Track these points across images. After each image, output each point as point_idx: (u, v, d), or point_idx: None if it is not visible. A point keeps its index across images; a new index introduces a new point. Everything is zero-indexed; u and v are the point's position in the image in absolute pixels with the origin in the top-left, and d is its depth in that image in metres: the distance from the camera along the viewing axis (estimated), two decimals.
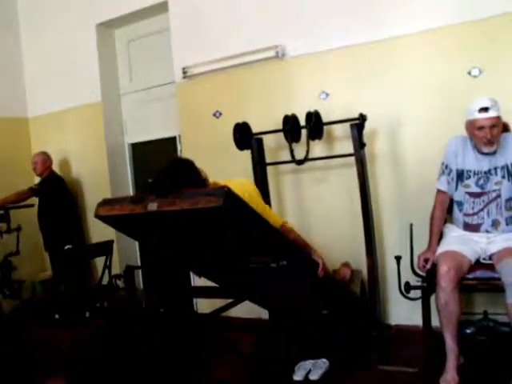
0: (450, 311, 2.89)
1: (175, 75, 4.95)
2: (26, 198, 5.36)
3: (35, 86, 6.11)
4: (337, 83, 4.16)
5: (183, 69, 4.81)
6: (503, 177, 3.04)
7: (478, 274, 3.03)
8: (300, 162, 3.92)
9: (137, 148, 5.72)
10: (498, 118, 2.96)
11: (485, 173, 3.07)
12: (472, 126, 3.01)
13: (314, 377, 3.37)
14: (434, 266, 3.07)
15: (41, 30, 5.97)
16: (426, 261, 3.15)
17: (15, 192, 5.39)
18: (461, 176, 3.15)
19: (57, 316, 5.14)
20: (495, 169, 3.05)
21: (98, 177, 5.59)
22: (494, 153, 3.04)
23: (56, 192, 5.39)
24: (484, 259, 3.06)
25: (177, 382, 3.40)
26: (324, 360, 3.47)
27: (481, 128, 2.97)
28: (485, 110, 2.93)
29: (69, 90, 5.74)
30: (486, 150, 3.02)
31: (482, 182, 3.09)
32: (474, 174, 3.10)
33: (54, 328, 4.77)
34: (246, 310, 4.26)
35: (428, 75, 3.80)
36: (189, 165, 2.62)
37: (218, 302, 3.59)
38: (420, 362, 3.31)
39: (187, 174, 2.52)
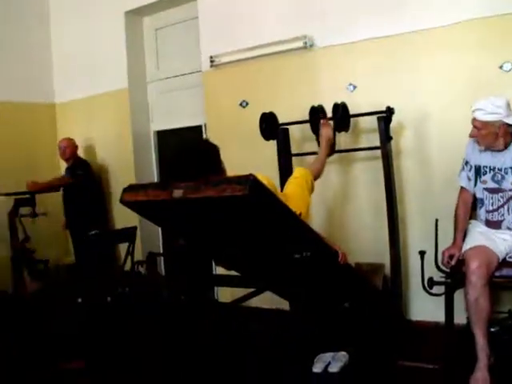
0: (481, 308, 2.83)
1: (202, 64, 4.95)
2: (65, 184, 5.42)
3: (63, 72, 6.17)
4: (364, 75, 4.12)
5: (210, 57, 4.80)
6: None
7: (504, 272, 2.99)
8: None
9: (162, 136, 5.75)
10: (482, 122, 2.98)
11: (499, 169, 3.07)
12: None
13: (333, 369, 3.35)
14: (459, 263, 3.05)
15: (70, 16, 6.02)
16: (451, 257, 3.12)
17: (53, 178, 5.46)
18: (478, 172, 3.16)
19: (79, 300, 5.19)
20: (511, 168, 3.04)
21: (123, 163, 5.63)
22: (510, 151, 3.04)
23: (84, 177, 5.44)
24: (510, 257, 3.02)
25: (196, 371, 3.41)
26: (344, 353, 3.46)
27: (473, 126, 3.04)
28: (474, 111, 3.00)
29: (96, 77, 5.79)
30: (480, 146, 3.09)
31: (497, 178, 3.08)
32: (490, 169, 3.10)
33: (76, 312, 4.83)
34: (267, 300, 4.27)
35: (458, 69, 3.75)
36: (213, 151, 2.63)
37: (239, 292, 3.60)
38: (441, 359, 3.26)
39: (209, 161, 2.52)
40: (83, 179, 5.40)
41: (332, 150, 3.73)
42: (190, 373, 3.41)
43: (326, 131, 3.71)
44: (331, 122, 3.77)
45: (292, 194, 3.04)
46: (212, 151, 2.62)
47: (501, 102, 2.94)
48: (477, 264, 2.87)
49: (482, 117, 2.97)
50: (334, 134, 3.76)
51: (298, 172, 3.30)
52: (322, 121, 3.78)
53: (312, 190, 3.21)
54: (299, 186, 3.13)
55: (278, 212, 2.38)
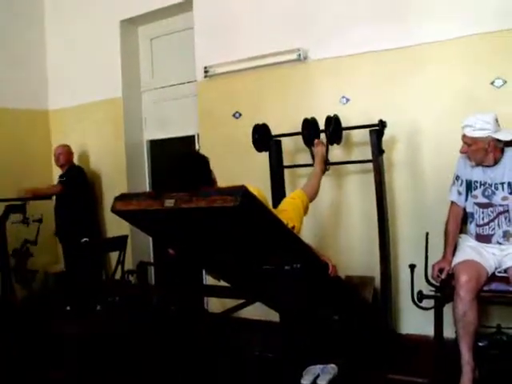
0: (468, 322, 2.86)
1: (197, 74, 4.96)
2: (57, 192, 5.40)
3: (57, 80, 6.16)
4: (357, 89, 4.15)
5: (205, 68, 4.82)
6: (510, 193, 3.05)
7: (493, 286, 3.01)
8: None
9: (155, 145, 5.75)
10: (471, 138, 3.01)
11: (489, 185, 3.10)
12: None
13: (321, 382, 3.35)
14: (449, 277, 3.06)
15: (65, 24, 6.02)
16: (441, 271, 3.14)
17: (47, 186, 5.46)
18: (469, 186, 3.19)
19: (68, 308, 5.17)
20: (502, 184, 3.06)
21: (116, 172, 5.62)
22: (500, 167, 3.07)
23: (78, 183, 5.43)
24: (499, 272, 3.04)
25: (184, 381, 3.40)
26: (333, 365, 3.46)
27: (463, 142, 3.08)
28: (463, 127, 3.04)
29: (90, 85, 5.78)
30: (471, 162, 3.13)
31: (488, 193, 3.11)
32: (481, 184, 3.13)
33: (65, 319, 4.80)
34: (257, 311, 4.26)
35: (450, 84, 3.78)
36: (203, 162, 2.65)
37: (229, 302, 3.59)
38: (430, 373, 3.27)
39: (200, 173, 2.53)
40: (70, 186, 5.38)
41: (325, 166, 3.82)
42: (179, 381, 3.41)
43: (320, 149, 3.81)
44: (324, 140, 3.83)
45: (286, 208, 3.09)
46: (203, 162, 2.66)
47: (489, 118, 2.97)
48: (466, 278, 2.89)
49: (471, 133, 3.00)
50: (327, 149, 3.83)
51: (295, 194, 3.38)
52: (315, 140, 3.86)
53: (306, 211, 3.26)
54: (294, 203, 3.19)
55: (269, 223, 2.38)
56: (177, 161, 2.61)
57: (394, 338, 3.88)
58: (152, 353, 3.80)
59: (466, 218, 3.30)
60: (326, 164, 3.83)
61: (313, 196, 3.45)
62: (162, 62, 5.61)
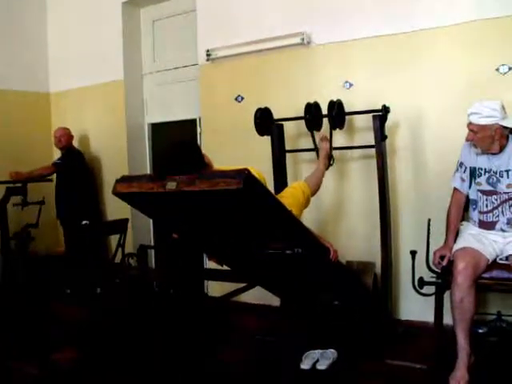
0: (465, 309, 2.87)
1: (199, 57, 4.93)
2: (50, 174, 5.40)
3: (58, 62, 6.12)
4: (361, 73, 4.13)
5: (207, 51, 4.78)
6: None
7: (494, 273, 3.00)
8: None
9: (156, 128, 5.73)
10: (478, 126, 2.99)
11: (494, 172, 3.09)
12: None
13: (321, 367, 3.36)
14: (450, 263, 3.06)
15: (66, 5, 5.98)
16: (442, 257, 3.14)
17: (40, 167, 5.44)
18: (473, 173, 3.17)
19: (68, 291, 5.18)
20: (507, 171, 3.05)
21: (117, 155, 5.60)
22: (505, 154, 3.05)
23: (76, 166, 5.43)
24: (501, 259, 3.04)
25: (184, 365, 3.41)
26: (332, 350, 3.46)
27: (469, 130, 3.06)
28: (470, 114, 3.02)
29: (91, 67, 5.74)
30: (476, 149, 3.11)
31: (492, 180, 3.10)
32: (485, 171, 3.12)
33: (65, 302, 4.81)
34: (257, 295, 4.27)
35: (454, 70, 3.76)
36: (193, 148, 2.63)
37: (229, 286, 3.60)
38: (429, 359, 3.27)
39: (191, 158, 2.51)
40: (64, 168, 5.37)
41: (329, 162, 3.86)
42: (178, 365, 3.42)
43: (325, 145, 3.85)
44: (327, 130, 3.85)
45: (286, 194, 3.10)
46: (192, 148, 2.65)
47: (496, 105, 2.95)
48: (463, 265, 2.89)
49: (478, 120, 2.97)
50: (331, 140, 3.84)
51: (297, 184, 3.37)
52: (321, 135, 3.90)
53: (307, 203, 3.25)
54: (294, 192, 3.19)
55: (271, 207, 2.37)
56: (165, 149, 2.59)
57: (393, 324, 3.89)
58: (152, 336, 3.81)
59: (468, 205, 3.30)
60: (330, 159, 3.86)
61: (315, 189, 3.44)
62: (164, 45, 5.57)
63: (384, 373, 3.26)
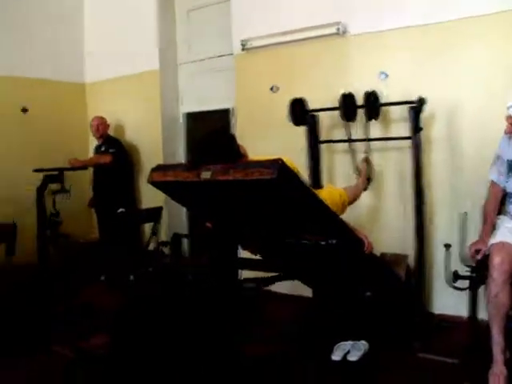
0: (500, 303, 2.82)
1: (234, 47, 4.94)
2: (106, 162, 5.44)
3: (94, 53, 6.20)
4: (397, 64, 4.08)
5: (242, 41, 4.79)
6: None
7: None
8: (355, 142, 3.89)
9: (191, 118, 5.76)
10: None
11: None
12: None
13: (352, 358, 3.36)
14: (485, 258, 3.02)
15: None
16: (477, 251, 3.09)
17: (95, 156, 5.58)
18: (511, 167, 3.11)
19: (102, 278, 5.27)
20: None
21: (151, 144, 5.67)
22: None
23: (121, 154, 5.49)
24: None
25: (216, 353, 3.44)
26: (364, 342, 3.46)
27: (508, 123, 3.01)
28: (509, 107, 2.96)
29: (127, 58, 5.80)
30: None
31: None
32: None
33: (100, 289, 4.89)
34: (289, 286, 4.28)
35: (494, 61, 3.69)
36: (229, 138, 2.64)
37: (262, 276, 3.61)
38: (462, 354, 3.25)
39: (227, 147, 2.52)
40: (119, 157, 5.45)
41: (368, 183, 3.98)
42: (210, 353, 3.45)
43: (364, 166, 3.95)
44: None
45: (323, 191, 3.14)
46: (229, 138, 2.65)
47: None
48: (499, 260, 2.84)
49: None
50: (371, 165, 4.01)
51: (334, 188, 3.44)
52: (363, 155, 3.96)
53: (343, 209, 3.24)
54: (332, 191, 3.23)
55: (305, 197, 2.37)
56: (202, 137, 2.60)
57: (426, 317, 3.85)
58: (184, 324, 3.84)
59: (505, 198, 3.23)
60: (369, 181, 3.95)
61: (352, 198, 3.45)
62: (200, 35, 5.59)
63: (415, 366, 3.25)
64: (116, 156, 5.42)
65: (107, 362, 3.37)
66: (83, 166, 5.39)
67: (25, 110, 5.74)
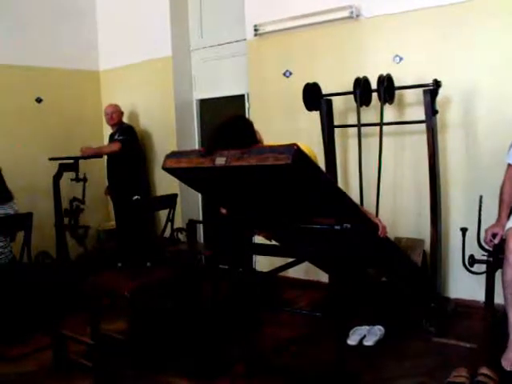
0: None
1: (246, 32, 4.91)
2: (116, 150, 5.44)
3: (107, 40, 6.19)
4: (412, 47, 4.03)
5: (255, 26, 4.76)
6: None
7: None
8: (368, 126, 3.86)
9: (205, 104, 5.75)
10: None
11: None
12: None
13: (368, 343, 3.37)
14: (502, 242, 3.00)
15: None
16: (494, 235, 3.07)
17: (107, 144, 5.62)
18: None
19: (119, 264, 5.30)
20: None
21: (165, 131, 5.67)
22: None
23: (129, 142, 5.50)
24: None
25: (234, 337, 3.47)
26: (380, 327, 3.47)
27: None
28: None
29: (140, 44, 5.79)
30: None
31: None
32: None
33: (116, 275, 4.92)
34: (305, 271, 4.29)
35: (510, 43, 3.62)
36: (247, 124, 2.63)
37: (277, 261, 3.61)
38: (478, 339, 3.24)
39: (243, 131, 2.51)
40: (129, 144, 5.45)
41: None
42: (225, 338, 3.47)
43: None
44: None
45: None
46: (247, 124, 2.63)
47: None
48: None
49: None
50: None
51: None
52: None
53: None
54: None
55: (320, 182, 2.37)
56: (220, 124, 2.59)
57: (443, 302, 3.84)
58: (199, 309, 3.88)
59: None
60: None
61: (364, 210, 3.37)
62: (212, 21, 5.55)
63: (431, 351, 3.25)
64: (125, 143, 5.41)
65: (124, 348, 3.41)
66: (96, 155, 5.41)
67: (39, 100, 5.77)
